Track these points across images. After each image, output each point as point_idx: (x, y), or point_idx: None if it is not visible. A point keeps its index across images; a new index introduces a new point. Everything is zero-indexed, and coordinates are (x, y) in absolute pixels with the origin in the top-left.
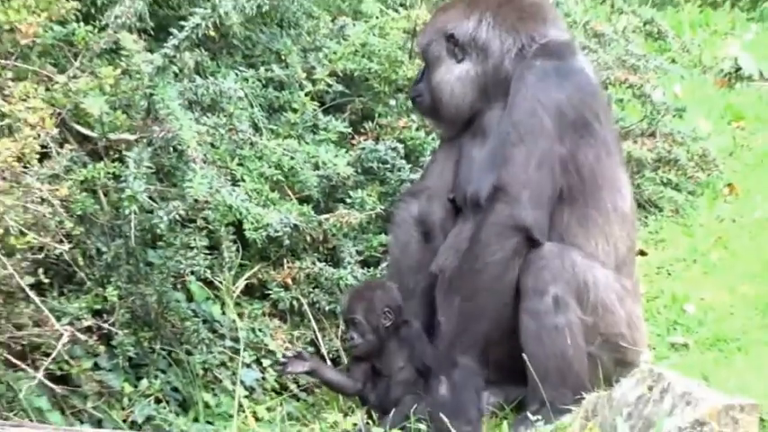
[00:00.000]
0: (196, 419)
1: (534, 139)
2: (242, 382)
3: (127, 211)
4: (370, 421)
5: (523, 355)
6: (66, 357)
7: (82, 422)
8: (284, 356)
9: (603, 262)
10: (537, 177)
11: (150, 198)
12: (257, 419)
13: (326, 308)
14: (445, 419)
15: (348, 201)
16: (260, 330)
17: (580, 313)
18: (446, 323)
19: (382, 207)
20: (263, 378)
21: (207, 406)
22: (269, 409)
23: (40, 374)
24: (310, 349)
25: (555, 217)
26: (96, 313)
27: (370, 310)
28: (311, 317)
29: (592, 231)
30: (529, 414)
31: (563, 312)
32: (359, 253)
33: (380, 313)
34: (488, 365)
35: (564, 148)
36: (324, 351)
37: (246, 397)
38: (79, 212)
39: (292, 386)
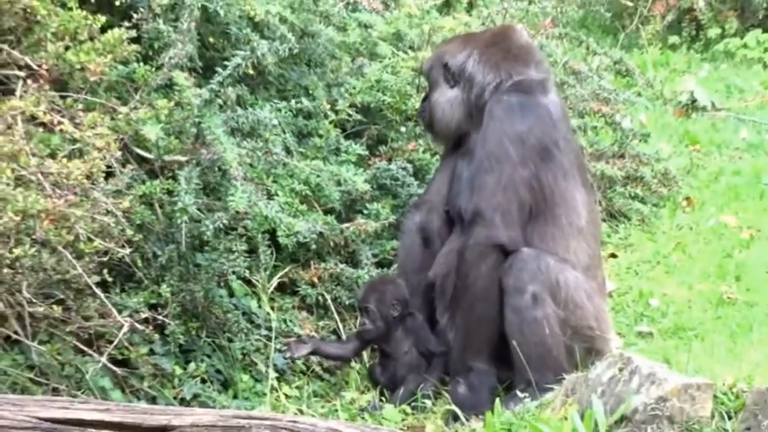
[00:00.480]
0: (235, 397)
1: (501, 167)
2: (274, 366)
3: (179, 221)
4: (383, 398)
5: (512, 342)
6: (126, 344)
7: (139, 399)
8: (285, 343)
9: (573, 265)
10: (505, 200)
11: (198, 210)
12: (287, 397)
13: (347, 302)
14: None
15: (365, 212)
16: (290, 321)
17: (555, 308)
18: (455, 334)
19: (394, 217)
20: (293, 362)
21: (245, 386)
22: (297, 388)
23: (103, 359)
24: (325, 335)
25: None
26: (152, 307)
27: (381, 300)
28: (334, 310)
29: (550, 245)
30: (518, 392)
31: (540, 307)
32: (374, 256)
33: (390, 304)
34: (497, 363)
35: (527, 171)
36: (344, 338)
37: (278, 378)
38: (138, 222)
39: (317, 368)
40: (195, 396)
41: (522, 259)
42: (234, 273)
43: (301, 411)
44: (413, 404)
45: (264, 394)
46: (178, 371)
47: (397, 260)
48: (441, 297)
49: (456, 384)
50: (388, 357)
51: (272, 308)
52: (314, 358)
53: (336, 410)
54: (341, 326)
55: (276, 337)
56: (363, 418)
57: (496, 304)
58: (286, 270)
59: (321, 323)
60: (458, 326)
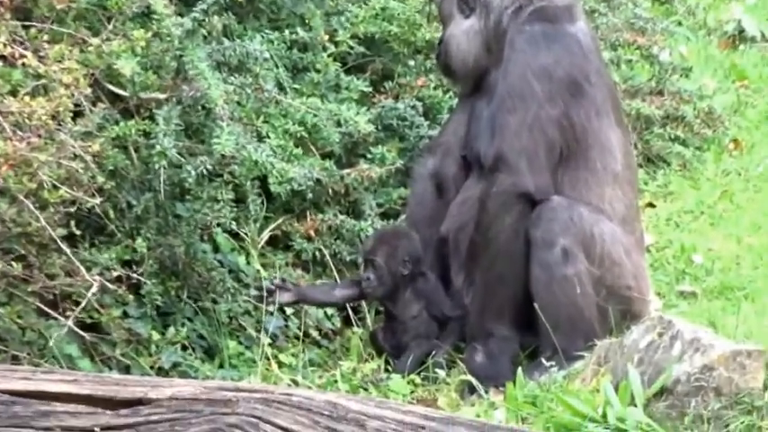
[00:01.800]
0: (221, 366)
1: (525, 105)
2: (266, 330)
3: (156, 166)
4: (388, 367)
5: (538, 304)
6: (96, 306)
7: (110, 368)
8: (269, 288)
9: (609, 215)
10: (531, 142)
11: (179, 154)
12: (280, 366)
13: (348, 258)
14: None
15: (369, 156)
16: (285, 281)
17: (588, 264)
18: (473, 294)
19: (401, 162)
20: (286, 326)
21: (232, 353)
22: (292, 356)
23: (70, 322)
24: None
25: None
26: (126, 264)
27: (391, 255)
28: (333, 267)
29: (583, 193)
30: (543, 360)
31: (572, 263)
32: (379, 206)
33: (401, 260)
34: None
35: (556, 108)
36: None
37: (270, 344)
38: (111, 168)
39: (314, 333)
40: (175, 365)
41: (552, 209)
42: (219, 225)
43: (296, 382)
44: (423, 374)
45: (254, 363)
46: (155, 336)
47: (405, 211)
48: (455, 254)
49: (473, 351)
50: (393, 320)
51: (263, 265)
52: (310, 321)
53: (336, 381)
54: None
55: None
56: (366, 389)
57: (521, 260)
58: (278, 222)
59: (318, 282)
60: (476, 285)
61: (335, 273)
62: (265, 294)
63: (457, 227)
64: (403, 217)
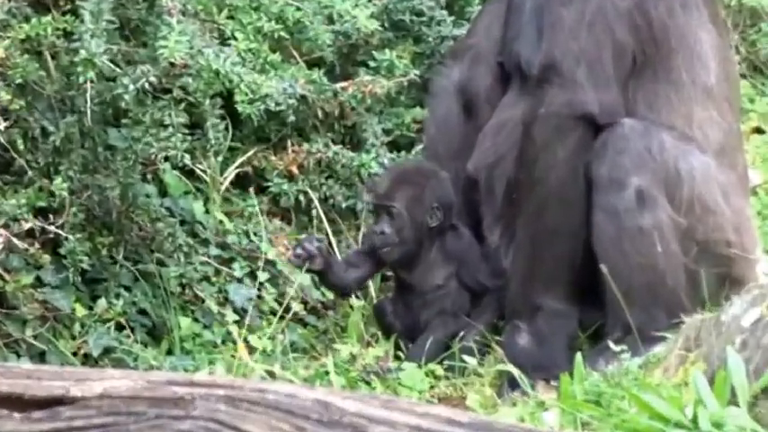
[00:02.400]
0: (170, 351)
1: None
2: (231, 303)
3: (81, 79)
4: (399, 353)
5: (601, 266)
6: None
7: (19, 355)
8: (297, 244)
9: (700, 145)
10: (593, 45)
11: (112, 62)
12: (251, 351)
13: (343, 204)
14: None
15: (372, 64)
16: (255, 234)
17: (672, 212)
18: (515, 255)
19: (416, 72)
20: (260, 297)
21: (185, 334)
22: (269, 339)
23: None
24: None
25: None
26: (40, 212)
27: (416, 200)
28: (323, 216)
29: (664, 114)
30: (610, 343)
31: (649, 210)
32: (386, 132)
33: (428, 208)
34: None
35: None
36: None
37: (237, 322)
38: (19, 80)
39: (297, 307)
40: (107, 351)
41: (622, 136)
42: (167, 159)
43: (273, 374)
44: (447, 363)
45: (216, 348)
46: (80, 311)
47: (422, 140)
48: (488, 199)
49: (515, 332)
50: (409, 291)
51: (227, 214)
52: (291, 290)
53: (327, 373)
54: (334, 241)
55: (233, 260)
56: (369, 383)
57: (580, 207)
58: (248, 155)
59: (303, 237)
60: (518, 243)
61: (327, 224)
62: (301, 254)
63: (491, 162)
64: (418, 148)
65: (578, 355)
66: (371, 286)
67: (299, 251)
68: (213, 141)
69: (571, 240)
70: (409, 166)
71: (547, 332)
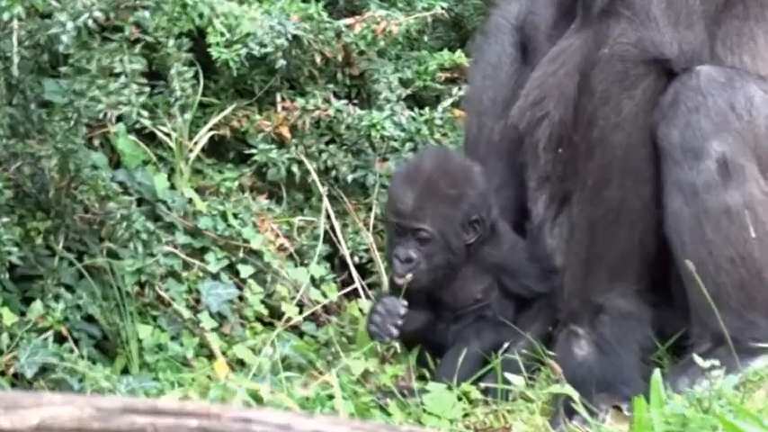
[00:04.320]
0: (126, 370)
1: None
2: (205, 306)
3: (6, 16)
4: (425, 371)
5: (687, 263)
6: None
7: None
8: (379, 308)
9: None
10: None
11: None
12: (232, 368)
13: (349, 177)
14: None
15: None
16: (235, 217)
17: (765, 185)
18: (571, 241)
19: (444, 5)
20: (242, 298)
21: (146, 347)
22: (252, 351)
23: None
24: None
25: None
26: None
27: (450, 218)
28: (323, 192)
29: (754, 62)
30: (696, 357)
31: (737, 184)
32: (403, 83)
33: (466, 224)
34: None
35: None
36: (344, 250)
37: (213, 330)
38: None
39: (290, 310)
40: (44, 370)
41: (698, 89)
42: (120, 119)
43: (259, 399)
44: (484, 383)
45: (186, 364)
46: (9, 318)
47: (466, 91)
48: (534, 166)
49: (572, 341)
50: (439, 306)
51: (198, 190)
52: (282, 288)
53: (331, 396)
54: (337, 225)
55: (206, 250)
56: (385, 410)
57: (652, 178)
58: (225, 113)
59: (297, 219)
60: (575, 225)
61: (327, 203)
62: (377, 332)
63: (539, 115)
64: (447, 103)
65: (656, 373)
66: (385, 283)
67: (374, 328)
68: (179, 95)
69: (641, 221)
70: (435, 169)
71: (613, 340)
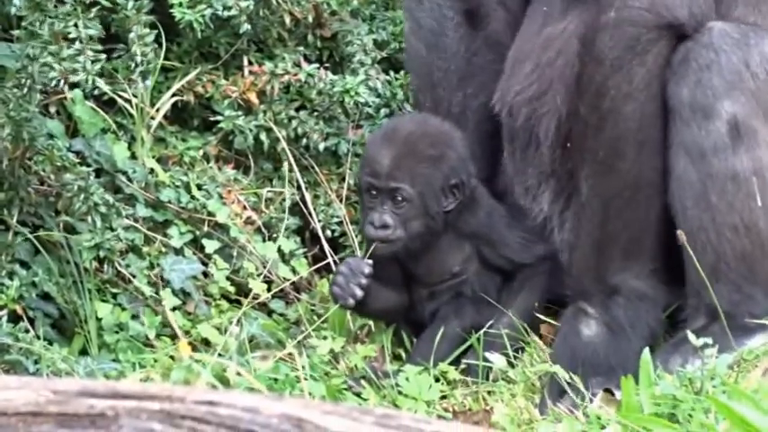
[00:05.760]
0: (84, 351)
1: None
2: (167, 283)
3: None
4: (400, 351)
5: (678, 233)
6: None
7: None
8: (341, 270)
9: None
10: None
11: None
12: (195, 348)
13: (321, 145)
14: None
15: None
16: (200, 188)
17: None
18: (580, 219)
19: None
20: (206, 275)
21: (105, 326)
22: (218, 330)
23: None
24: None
25: None
26: None
27: (429, 180)
28: (293, 161)
29: (766, 15)
30: (689, 334)
31: (747, 148)
32: (378, 46)
33: (446, 188)
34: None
35: None
36: (316, 223)
37: (176, 309)
38: None
39: (258, 289)
40: None
41: (710, 45)
42: (76, 86)
43: (225, 381)
44: (464, 363)
45: (148, 344)
46: None
47: (409, 61)
48: (535, 162)
49: (580, 318)
50: (413, 281)
51: (161, 160)
52: (250, 263)
53: (297, 380)
54: (308, 197)
55: (169, 223)
56: (358, 394)
57: (661, 147)
58: (189, 78)
59: (266, 191)
60: (585, 203)
61: (298, 173)
62: (339, 293)
63: (532, 96)
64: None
65: (646, 351)
66: (358, 255)
67: (336, 289)
68: (140, 59)
69: (657, 197)
70: (414, 129)
71: (626, 323)
